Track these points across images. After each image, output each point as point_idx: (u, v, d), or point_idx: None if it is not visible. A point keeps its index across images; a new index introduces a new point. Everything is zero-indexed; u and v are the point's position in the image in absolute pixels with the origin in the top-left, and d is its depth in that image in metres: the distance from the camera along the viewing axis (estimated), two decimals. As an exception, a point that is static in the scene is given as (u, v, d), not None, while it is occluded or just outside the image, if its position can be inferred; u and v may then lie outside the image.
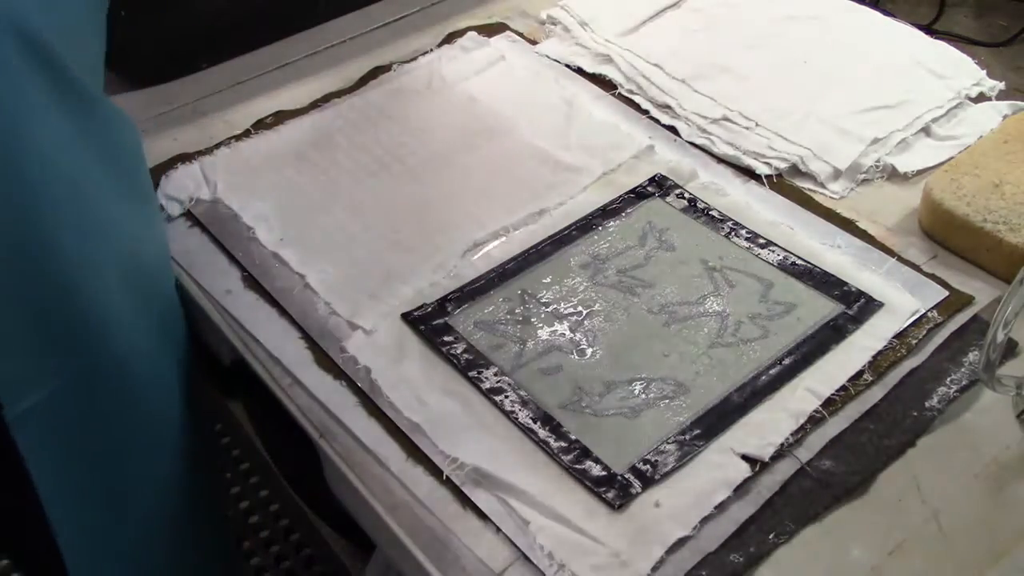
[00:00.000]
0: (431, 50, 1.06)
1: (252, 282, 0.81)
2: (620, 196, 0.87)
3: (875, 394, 0.70)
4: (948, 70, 0.99)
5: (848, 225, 0.84)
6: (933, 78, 0.98)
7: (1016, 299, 0.63)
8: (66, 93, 0.64)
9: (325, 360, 0.75)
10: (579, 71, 1.03)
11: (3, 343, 0.67)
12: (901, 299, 0.76)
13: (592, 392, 0.71)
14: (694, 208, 0.85)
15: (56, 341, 0.70)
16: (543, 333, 0.75)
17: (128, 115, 0.75)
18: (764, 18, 1.08)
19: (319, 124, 0.96)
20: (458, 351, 0.73)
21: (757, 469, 0.65)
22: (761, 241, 0.82)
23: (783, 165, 0.89)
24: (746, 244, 0.82)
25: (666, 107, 0.97)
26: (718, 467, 0.65)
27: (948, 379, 0.71)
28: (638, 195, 0.87)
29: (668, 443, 0.67)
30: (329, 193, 0.89)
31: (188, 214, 0.87)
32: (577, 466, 0.66)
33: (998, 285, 0.77)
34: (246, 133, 0.95)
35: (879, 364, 0.72)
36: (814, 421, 0.68)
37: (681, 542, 0.62)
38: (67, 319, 0.70)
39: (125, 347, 0.74)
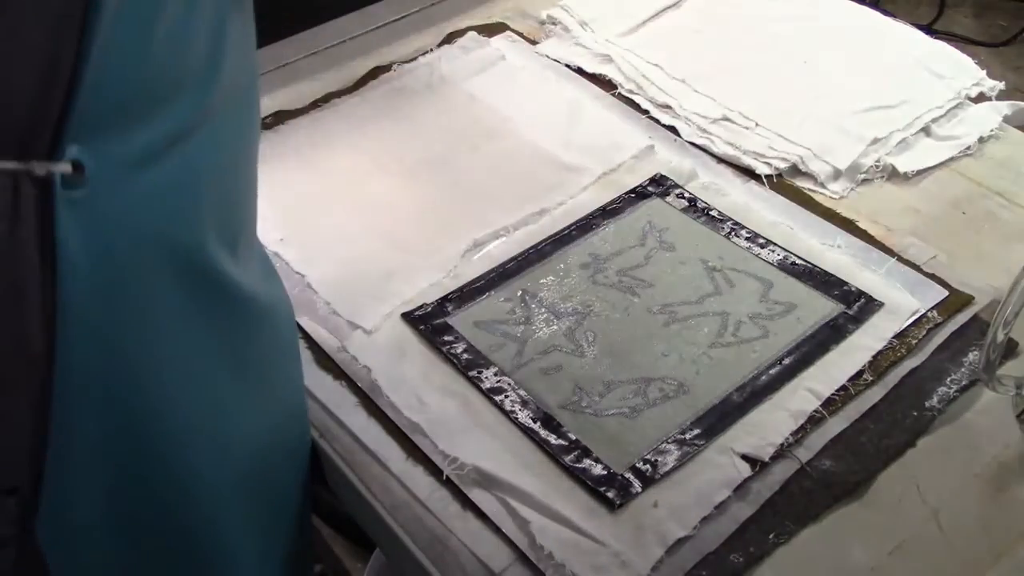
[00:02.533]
0: (431, 50, 1.06)
1: (252, 282, 0.81)
2: (620, 196, 0.87)
3: (875, 394, 0.70)
4: (948, 70, 0.99)
5: (848, 225, 0.84)
6: (933, 78, 0.98)
7: (1016, 299, 0.63)
8: (212, 298, 0.55)
9: (325, 360, 0.75)
10: (579, 71, 1.03)
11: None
12: (901, 299, 0.76)
13: (592, 392, 0.71)
14: (694, 208, 0.85)
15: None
16: (543, 333, 0.75)
17: (285, 306, 0.66)
18: (764, 18, 1.08)
19: (319, 124, 0.96)
20: (458, 351, 0.73)
21: (757, 469, 0.65)
22: (761, 241, 0.82)
23: (783, 165, 0.89)
24: (746, 244, 0.82)
25: (666, 107, 0.97)
26: (718, 467, 0.65)
27: (948, 379, 0.71)
28: (638, 195, 0.87)
29: (668, 443, 0.67)
30: (329, 193, 0.89)
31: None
32: (577, 466, 0.65)
33: (998, 285, 0.77)
34: (246, 133, 0.95)
35: (879, 364, 0.72)
36: (814, 421, 0.68)
37: (681, 542, 0.62)
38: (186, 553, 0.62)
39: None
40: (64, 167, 0.43)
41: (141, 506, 0.58)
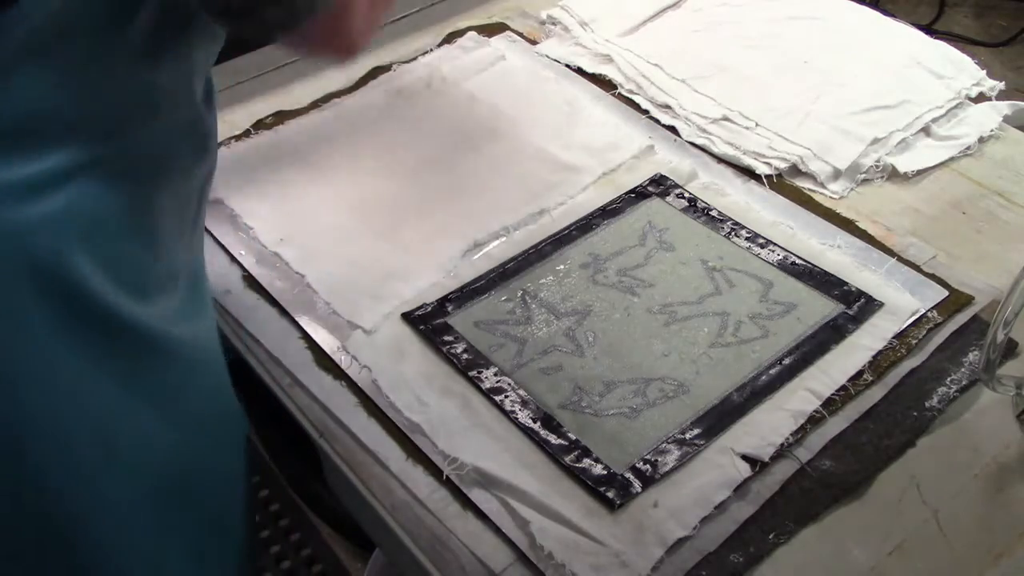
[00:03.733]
0: (431, 50, 1.06)
1: (252, 282, 0.81)
2: (620, 196, 0.87)
3: (875, 394, 0.70)
4: (948, 70, 0.99)
5: (848, 225, 0.84)
6: (933, 78, 0.98)
7: (1016, 299, 0.63)
8: (95, 329, 0.55)
9: (325, 360, 0.75)
10: (579, 71, 1.03)
11: None
12: (901, 299, 0.76)
13: (592, 392, 0.70)
14: (694, 208, 0.85)
15: None
16: (543, 333, 0.75)
17: (207, 340, 0.65)
18: (764, 18, 1.08)
19: (319, 124, 0.96)
20: (458, 351, 0.73)
21: (757, 469, 0.65)
22: (761, 241, 0.82)
23: (783, 165, 0.89)
24: (746, 244, 0.82)
25: (666, 107, 0.97)
26: (718, 467, 0.65)
27: (948, 379, 0.71)
28: (638, 195, 0.87)
29: (668, 443, 0.67)
30: (329, 193, 0.89)
31: (188, 214, 0.87)
32: (577, 466, 0.65)
33: (998, 285, 0.77)
34: (246, 133, 0.95)
35: (879, 364, 0.71)
36: (814, 421, 0.68)
37: (681, 542, 0.62)
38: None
39: None
40: None
41: (17, 520, 0.56)
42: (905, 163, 0.89)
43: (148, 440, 0.61)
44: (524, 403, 0.70)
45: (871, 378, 0.71)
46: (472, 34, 1.07)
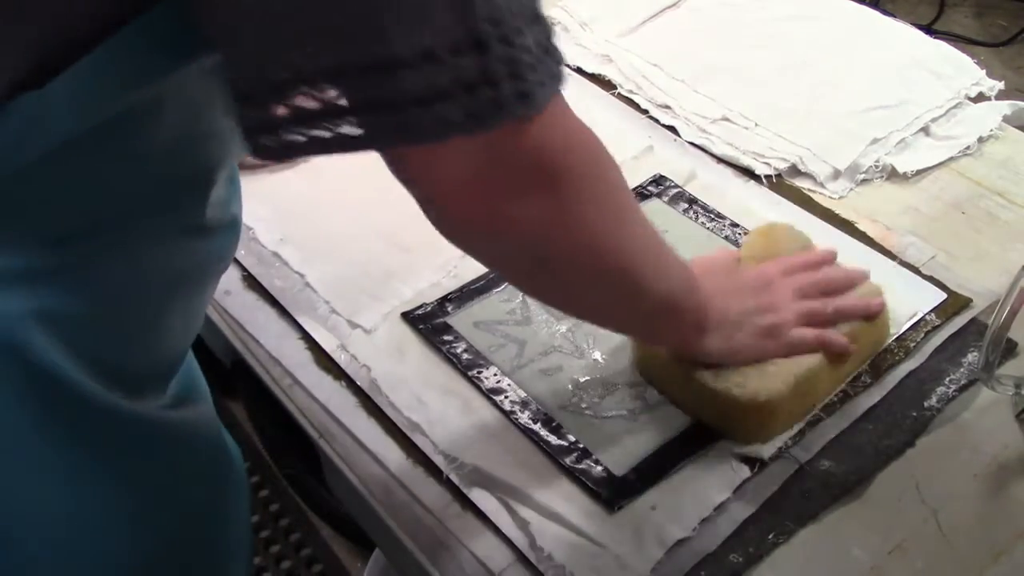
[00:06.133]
0: (431, 50, 1.06)
1: (252, 282, 0.81)
2: (620, 196, 0.87)
3: (874, 395, 0.70)
4: (948, 70, 0.99)
5: (847, 225, 0.84)
6: (933, 78, 0.98)
7: (1014, 299, 0.63)
8: (70, 421, 0.51)
9: (325, 360, 0.75)
10: (579, 71, 1.03)
11: None
12: (899, 302, 0.76)
13: (592, 393, 0.71)
14: (694, 209, 0.85)
15: None
16: (543, 334, 0.75)
17: (204, 428, 0.62)
18: (764, 18, 1.08)
19: (319, 124, 0.96)
20: (458, 351, 0.74)
21: (756, 470, 0.65)
22: (761, 241, 0.82)
23: (783, 165, 0.89)
24: (746, 244, 0.82)
25: (666, 107, 0.97)
26: (717, 469, 0.65)
27: (947, 379, 0.71)
28: (638, 195, 0.87)
29: (667, 445, 0.67)
30: (329, 193, 0.89)
31: (188, 214, 0.87)
32: (577, 467, 0.66)
33: (998, 286, 0.77)
34: (246, 133, 0.95)
35: (877, 366, 0.71)
36: (813, 423, 0.68)
37: (680, 543, 0.62)
38: None
39: None
40: None
41: None
42: (904, 163, 0.89)
43: (122, 544, 0.55)
44: (524, 404, 0.70)
45: (869, 380, 0.71)
46: (472, 34, 1.07)
